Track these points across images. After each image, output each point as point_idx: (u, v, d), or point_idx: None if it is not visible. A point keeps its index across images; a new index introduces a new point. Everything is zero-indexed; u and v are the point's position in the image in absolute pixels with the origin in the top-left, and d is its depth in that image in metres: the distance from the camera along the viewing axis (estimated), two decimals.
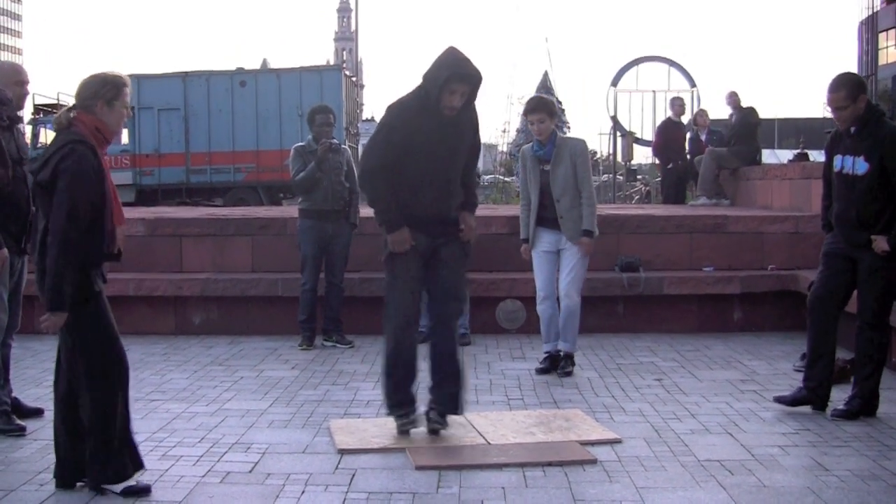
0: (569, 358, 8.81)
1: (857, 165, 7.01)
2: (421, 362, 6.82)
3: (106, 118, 5.43)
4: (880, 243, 6.92)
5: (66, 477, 5.50)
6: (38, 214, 5.43)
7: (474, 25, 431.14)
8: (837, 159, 7.21)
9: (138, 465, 5.55)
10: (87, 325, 5.41)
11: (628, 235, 10.93)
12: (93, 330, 5.41)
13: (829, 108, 7.18)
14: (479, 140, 7.05)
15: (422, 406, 6.82)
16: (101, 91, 5.40)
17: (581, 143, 8.99)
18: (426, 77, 6.51)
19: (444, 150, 6.54)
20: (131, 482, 5.44)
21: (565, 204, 8.55)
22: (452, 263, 6.75)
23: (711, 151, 15.90)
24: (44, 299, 5.27)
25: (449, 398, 6.79)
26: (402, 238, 6.56)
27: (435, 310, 6.87)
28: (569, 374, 8.67)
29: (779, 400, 7.38)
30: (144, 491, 5.46)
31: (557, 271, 8.76)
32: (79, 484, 5.50)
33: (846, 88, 7.00)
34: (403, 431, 6.65)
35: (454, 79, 6.40)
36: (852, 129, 7.07)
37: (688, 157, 17.24)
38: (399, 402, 6.73)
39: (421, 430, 6.71)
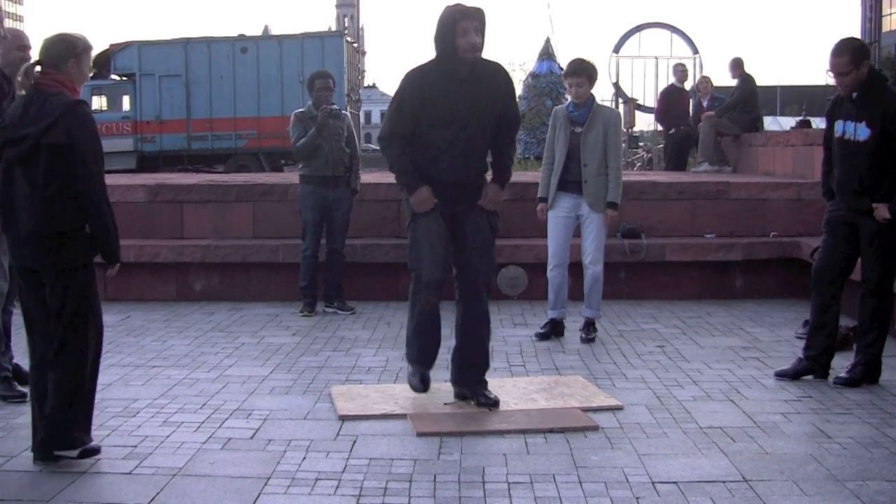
0: (591, 324, 8.83)
1: (859, 131, 6.97)
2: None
3: (76, 77, 5.45)
4: (881, 211, 6.89)
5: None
6: (32, 178, 5.33)
7: None
8: (839, 125, 7.16)
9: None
10: (85, 289, 5.42)
11: (630, 202, 10.89)
12: (87, 294, 5.44)
13: (831, 74, 7.13)
14: (516, 111, 6.83)
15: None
16: (73, 50, 5.42)
17: (616, 114, 9.18)
18: (435, 39, 6.40)
19: (461, 116, 6.41)
20: (87, 445, 5.47)
21: (591, 170, 8.54)
22: (476, 238, 6.62)
23: (710, 118, 15.86)
24: (105, 254, 5.49)
25: (476, 382, 6.72)
26: (424, 197, 6.47)
27: (461, 286, 6.74)
28: (592, 340, 8.71)
29: (780, 374, 7.36)
30: (96, 451, 5.49)
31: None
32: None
33: (849, 53, 6.95)
34: (414, 388, 6.67)
35: (459, 18, 6.29)
36: (854, 95, 7.02)
37: (691, 123, 17.22)
38: (418, 358, 6.71)
39: (422, 395, 6.72)
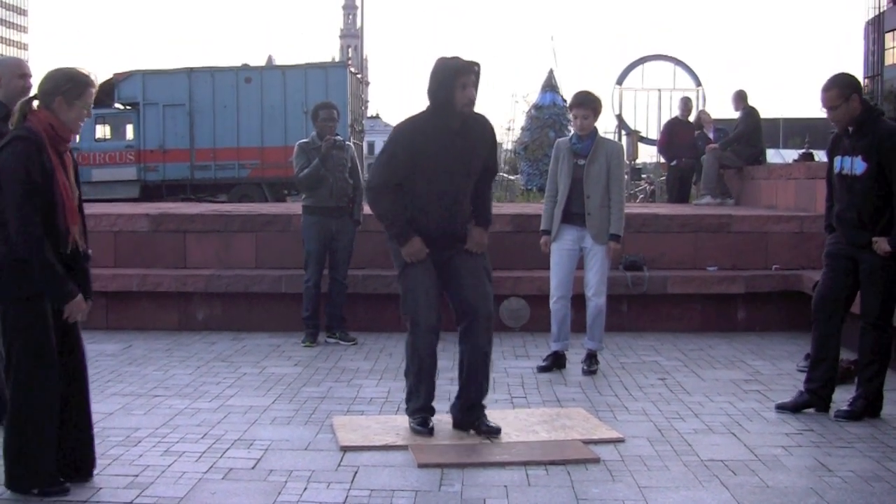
0: (593, 356, 8.84)
1: (856, 166, 7.02)
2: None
3: (63, 115, 5.29)
4: (882, 245, 6.91)
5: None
6: None
7: (479, 23, 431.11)
8: (837, 160, 7.22)
9: (56, 477, 5.38)
10: (28, 323, 5.24)
11: (632, 234, 10.91)
12: (32, 329, 5.25)
13: (824, 109, 7.19)
14: (496, 161, 7.05)
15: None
16: (63, 87, 5.30)
17: (619, 146, 9.25)
18: (431, 91, 6.51)
19: (452, 168, 6.52)
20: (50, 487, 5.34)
21: (595, 202, 8.58)
22: (471, 277, 6.70)
23: (714, 150, 15.89)
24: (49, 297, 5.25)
25: (477, 412, 6.76)
26: (417, 248, 6.54)
27: (464, 327, 6.76)
28: (593, 372, 8.71)
29: (781, 407, 7.36)
30: (61, 492, 5.33)
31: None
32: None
33: (838, 87, 7.01)
34: (416, 432, 6.62)
35: (460, 73, 6.41)
36: (850, 130, 7.08)
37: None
38: (416, 408, 6.70)
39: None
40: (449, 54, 6.60)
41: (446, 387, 7.51)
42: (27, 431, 5.28)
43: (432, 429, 6.61)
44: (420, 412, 6.68)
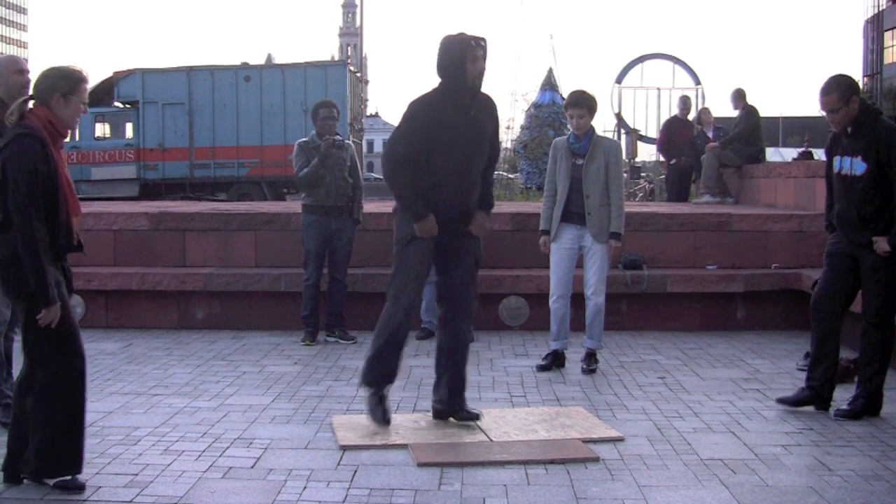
0: (593, 355, 8.84)
1: (855, 166, 7.02)
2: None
3: (61, 112, 5.38)
4: (881, 244, 6.91)
5: (10, 470, 5.50)
6: None
7: (478, 21, 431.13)
8: (836, 160, 7.22)
9: (78, 466, 5.45)
10: (35, 319, 5.30)
11: (632, 233, 10.89)
12: (38, 325, 5.29)
13: (823, 112, 7.19)
14: (499, 142, 7.16)
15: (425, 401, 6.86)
16: (59, 84, 5.38)
17: (617, 144, 9.24)
18: (442, 67, 6.60)
19: (467, 145, 6.61)
20: (66, 477, 5.40)
21: (594, 201, 8.57)
22: (464, 265, 6.81)
23: (714, 149, 15.88)
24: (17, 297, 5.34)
25: (459, 400, 6.89)
26: (431, 225, 6.60)
27: (445, 309, 6.88)
28: (593, 371, 8.70)
29: (781, 401, 7.37)
30: (78, 488, 5.39)
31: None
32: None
33: (838, 91, 7.00)
34: (377, 420, 6.71)
35: (469, 47, 6.54)
36: (849, 130, 7.08)
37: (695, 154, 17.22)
38: (376, 378, 6.78)
39: (422, 425, 6.73)
40: (454, 31, 6.70)
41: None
42: (56, 421, 5.35)
43: (389, 420, 6.73)
44: (378, 383, 6.77)
